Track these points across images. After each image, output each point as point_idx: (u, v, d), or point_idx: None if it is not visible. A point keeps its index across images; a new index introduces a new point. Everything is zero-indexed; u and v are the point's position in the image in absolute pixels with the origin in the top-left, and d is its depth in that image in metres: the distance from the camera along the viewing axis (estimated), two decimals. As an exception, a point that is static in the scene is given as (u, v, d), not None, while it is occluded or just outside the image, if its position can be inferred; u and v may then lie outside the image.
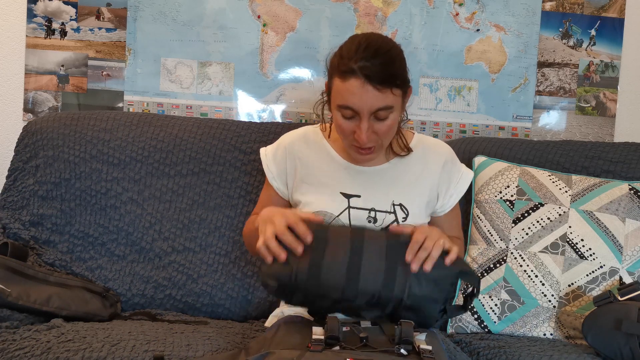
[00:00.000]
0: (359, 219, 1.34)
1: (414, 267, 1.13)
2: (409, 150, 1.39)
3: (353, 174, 1.38)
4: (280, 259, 1.13)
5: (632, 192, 1.64)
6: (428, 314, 1.18)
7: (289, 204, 1.47)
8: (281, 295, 1.19)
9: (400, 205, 1.35)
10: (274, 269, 1.14)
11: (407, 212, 1.35)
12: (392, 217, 1.34)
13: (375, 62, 1.19)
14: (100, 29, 2.00)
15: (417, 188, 1.38)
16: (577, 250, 1.59)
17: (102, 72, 2.00)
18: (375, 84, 1.19)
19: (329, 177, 1.39)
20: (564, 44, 2.09)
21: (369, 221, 1.34)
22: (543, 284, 1.58)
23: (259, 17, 2.01)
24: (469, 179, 1.47)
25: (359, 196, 1.36)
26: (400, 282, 1.13)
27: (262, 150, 1.48)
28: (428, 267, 1.13)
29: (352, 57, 1.21)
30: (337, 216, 1.35)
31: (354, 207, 1.35)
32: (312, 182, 1.40)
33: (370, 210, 1.35)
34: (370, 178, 1.37)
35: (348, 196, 1.35)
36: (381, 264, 1.13)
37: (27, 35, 1.98)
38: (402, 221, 1.35)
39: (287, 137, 1.46)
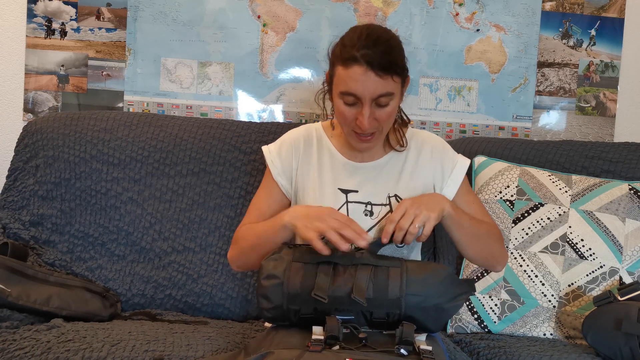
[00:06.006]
0: (356, 212, 1.37)
1: (392, 241, 1.21)
2: (405, 144, 1.42)
3: (351, 170, 1.40)
4: (344, 248, 1.18)
5: (632, 192, 1.64)
6: (432, 320, 1.19)
7: (289, 204, 1.47)
8: (278, 314, 1.20)
9: (396, 196, 1.38)
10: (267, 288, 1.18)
11: None
12: (387, 209, 1.37)
13: (376, 50, 1.24)
14: (100, 29, 1.99)
15: (412, 179, 1.40)
16: (577, 250, 1.59)
17: (102, 72, 2.00)
18: (377, 71, 1.23)
19: (328, 174, 1.41)
20: (564, 44, 2.09)
21: (366, 214, 1.36)
22: (543, 284, 1.58)
23: (259, 17, 2.01)
24: (464, 167, 1.43)
25: (356, 191, 1.38)
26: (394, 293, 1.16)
27: (265, 148, 1.47)
28: (408, 240, 1.21)
29: (354, 45, 1.25)
30: None
31: (351, 202, 1.37)
32: (313, 179, 1.41)
33: (366, 204, 1.37)
34: (367, 173, 1.40)
35: (346, 192, 1.38)
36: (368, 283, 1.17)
37: (27, 35, 1.98)
38: None
39: (290, 134, 1.47)
